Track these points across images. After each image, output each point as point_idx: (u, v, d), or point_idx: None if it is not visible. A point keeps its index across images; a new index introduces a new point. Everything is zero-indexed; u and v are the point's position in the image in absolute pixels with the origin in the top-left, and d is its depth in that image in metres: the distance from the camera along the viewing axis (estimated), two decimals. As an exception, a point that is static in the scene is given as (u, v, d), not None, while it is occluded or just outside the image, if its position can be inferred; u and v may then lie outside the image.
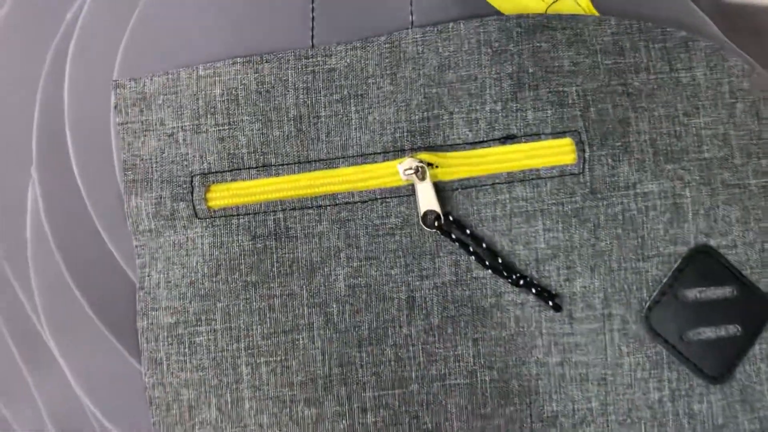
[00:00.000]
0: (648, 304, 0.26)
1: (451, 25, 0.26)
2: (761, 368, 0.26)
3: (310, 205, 0.26)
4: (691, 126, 0.27)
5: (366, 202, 0.26)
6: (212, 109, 0.26)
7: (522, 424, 0.26)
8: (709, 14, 0.29)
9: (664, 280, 0.26)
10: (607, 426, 0.26)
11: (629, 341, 0.26)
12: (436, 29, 0.26)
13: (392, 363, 0.26)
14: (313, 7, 0.27)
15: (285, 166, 0.26)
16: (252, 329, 0.26)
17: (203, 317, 0.26)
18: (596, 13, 0.27)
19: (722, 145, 0.27)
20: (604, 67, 0.26)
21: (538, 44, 0.26)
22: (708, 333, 0.26)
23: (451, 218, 0.26)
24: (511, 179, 0.26)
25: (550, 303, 0.25)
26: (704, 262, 0.26)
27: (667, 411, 0.26)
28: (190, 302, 0.26)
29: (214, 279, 0.26)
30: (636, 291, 0.26)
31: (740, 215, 0.27)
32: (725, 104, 0.27)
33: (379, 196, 0.26)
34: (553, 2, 0.27)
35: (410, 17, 0.26)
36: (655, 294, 0.26)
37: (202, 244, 0.26)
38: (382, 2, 0.27)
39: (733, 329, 0.26)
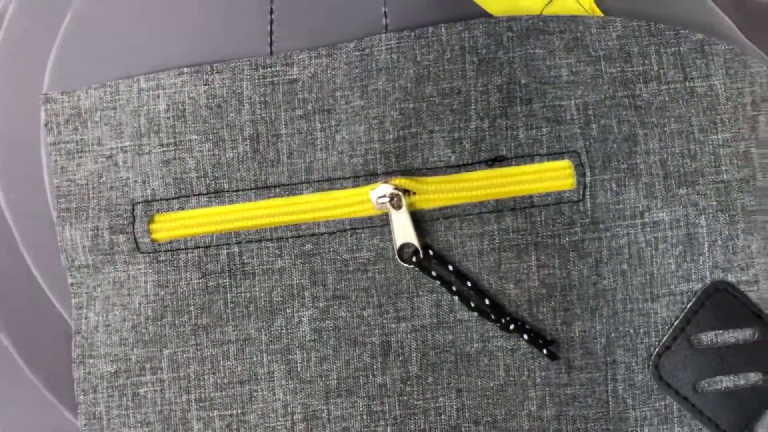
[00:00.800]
0: (657, 350, 0.23)
1: (430, 29, 0.22)
2: (786, 420, 0.23)
3: (269, 237, 0.23)
4: (707, 143, 0.23)
5: (334, 233, 0.23)
6: (156, 127, 0.23)
7: (513, 486, 0.23)
8: (729, 13, 0.25)
9: (676, 323, 0.23)
10: (610, 489, 0.23)
11: (635, 393, 0.23)
12: (413, 34, 0.22)
13: (364, 417, 0.23)
14: (272, 9, 0.23)
15: (240, 193, 0.23)
16: (204, 379, 0.23)
17: (148, 366, 0.23)
18: (600, 14, 0.24)
19: (743, 165, 0.23)
20: (608, 77, 0.23)
21: (531, 51, 0.22)
22: (725, 382, 0.23)
23: (431, 252, 0.23)
24: (500, 208, 0.22)
25: (545, 351, 0.22)
26: (722, 301, 0.23)
27: (678, 471, 0.23)
28: (133, 348, 0.23)
29: (159, 322, 0.23)
30: (643, 335, 0.23)
31: (763, 246, 0.23)
32: (747, 117, 0.24)
33: (348, 227, 0.23)
34: (550, 1, 0.24)
35: (384, 20, 0.23)
36: (665, 339, 0.23)
37: (146, 282, 0.23)
38: (352, 2, 0.23)
39: (754, 377, 0.23)
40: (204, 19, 0.23)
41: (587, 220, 0.23)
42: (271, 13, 0.23)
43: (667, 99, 0.23)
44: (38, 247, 0.24)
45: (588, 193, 0.23)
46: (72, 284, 0.23)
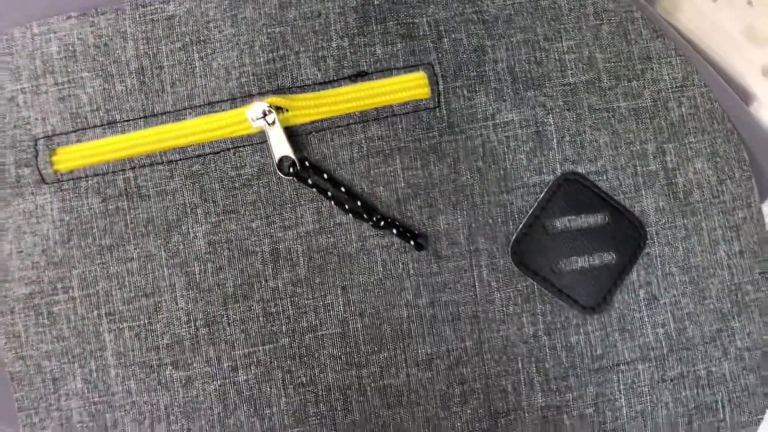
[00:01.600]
0: (515, 236, 0.25)
1: (289, -40, 0.25)
2: (640, 295, 0.26)
3: (160, 161, 0.25)
4: (552, 51, 0.26)
5: (218, 153, 0.25)
6: (50, 68, 0.25)
7: (397, 370, 0.25)
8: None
9: (531, 212, 0.25)
10: (483, 364, 0.25)
11: (498, 276, 0.25)
12: (273, -35, 0.25)
13: (260, 318, 0.25)
14: (148, -47, 0.25)
15: (131, 122, 0.25)
16: (111, 294, 0.25)
17: (59, 285, 0.25)
18: (447, -60, 0.26)
19: (588, 69, 0.26)
20: (457, -5, 0.25)
21: (383, -26, 0.25)
22: (581, 263, 0.26)
23: (307, 163, 0.25)
24: (366, 118, 0.25)
25: (412, 242, 0.25)
26: (573, 190, 0.26)
27: (544, 345, 0.25)
28: (45, 271, 0.25)
29: (67, 245, 0.25)
30: (502, 224, 0.25)
31: (610, 140, 0.26)
32: (590, 26, 0.26)
33: (231, 146, 0.25)
34: (402, -69, 0.26)
35: (248, -44, 0.25)
36: (522, 226, 0.25)
37: (52, 209, 0.25)
38: (220, -58, 0.25)
39: (607, 257, 0.26)
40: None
41: (443, 124, 0.25)
42: (148, -43, 0.25)
43: (512, 13, 0.26)
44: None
45: (443, 100, 0.25)
46: (-15, 218, 0.25)
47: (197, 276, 0.25)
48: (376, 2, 0.25)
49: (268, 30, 0.25)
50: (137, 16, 0.25)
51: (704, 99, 0.27)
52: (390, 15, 0.25)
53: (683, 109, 0.26)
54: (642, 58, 0.26)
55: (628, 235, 0.26)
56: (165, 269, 0.25)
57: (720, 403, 0.26)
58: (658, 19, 0.28)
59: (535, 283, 0.25)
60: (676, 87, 0.26)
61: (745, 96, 0.29)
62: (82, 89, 0.25)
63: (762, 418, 0.26)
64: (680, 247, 0.26)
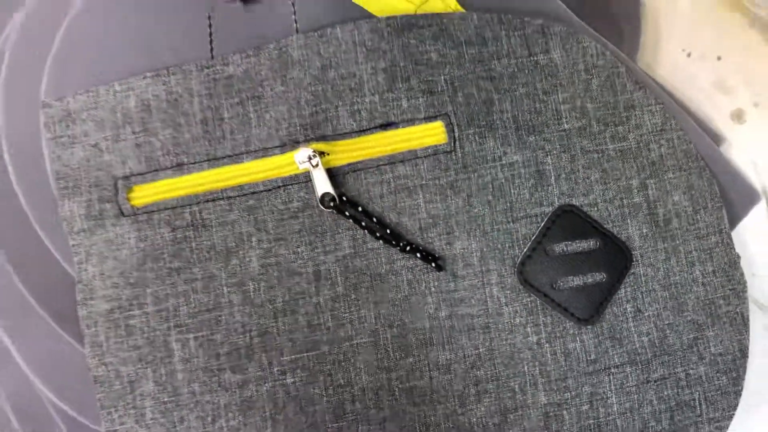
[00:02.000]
0: (520, 259, 0.30)
1: (329, 30, 0.30)
2: (627, 308, 0.30)
3: (221, 197, 0.30)
4: (550, 102, 0.30)
5: (270, 190, 0.30)
6: (129, 120, 0.30)
7: (421, 373, 0.30)
8: (571, 6, 0.32)
9: (533, 238, 0.30)
10: (494, 368, 0.30)
11: (506, 293, 0.30)
12: (316, 34, 0.30)
13: (305, 329, 0.30)
14: (210, 24, 0.30)
15: (196, 164, 0.30)
16: (179, 310, 0.30)
17: (135, 302, 0.30)
18: (462, 10, 0.31)
19: (580, 117, 0.31)
20: (469, 57, 0.30)
21: (406, 41, 0.30)
22: (576, 281, 0.30)
23: (344, 198, 0.30)
24: (393, 160, 0.30)
25: (433, 264, 0.29)
26: (569, 220, 0.30)
27: (545, 351, 0.30)
28: (123, 290, 0.30)
29: (142, 268, 0.30)
30: (509, 248, 0.30)
31: (600, 176, 0.30)
32: (582, 80, 0.31)
33: (281, 184, 0.30)
34: (422, 3, 0.31)
35: (295, 24, 0.30)
36: (525, 250, 0.30)
37: (129, 238, 0.30)
38: (270, 14, 0.30)
39: (599, 276, 0.30)
40: (161, 35, 0.30)
41: (459, 164, 0.30)
42: (210, 27, 0.30)
43: (515, 70, 0.30)
44: (45, 219, 0.30)
45: (458, 145, 0.30)
46: (73, 245, 0.30)
47: (252, 294, 0.30)
48: (402, 64, 0.30)
49: (312, 88, 0.29)
50: (202, 76, 0.30)
51: (681, 141, 0.31)
52: (413, 74, 0.30)
53: (663, 150, 0.31)
54: (627, 107, 0.31)
55: (616, 258, 0.30)
56: (225, 288, 0.30)
57: (697, 401, 0.30)
58: (640, 73, 0.32)
59: (538, 299, 0.30)
60: (657, 131, 0.31)
61: (715, 138, 0.34)
62: (155, 137, 0.30)
63: (734, 414, 0.31)
64: (661, 267, 0.31)
